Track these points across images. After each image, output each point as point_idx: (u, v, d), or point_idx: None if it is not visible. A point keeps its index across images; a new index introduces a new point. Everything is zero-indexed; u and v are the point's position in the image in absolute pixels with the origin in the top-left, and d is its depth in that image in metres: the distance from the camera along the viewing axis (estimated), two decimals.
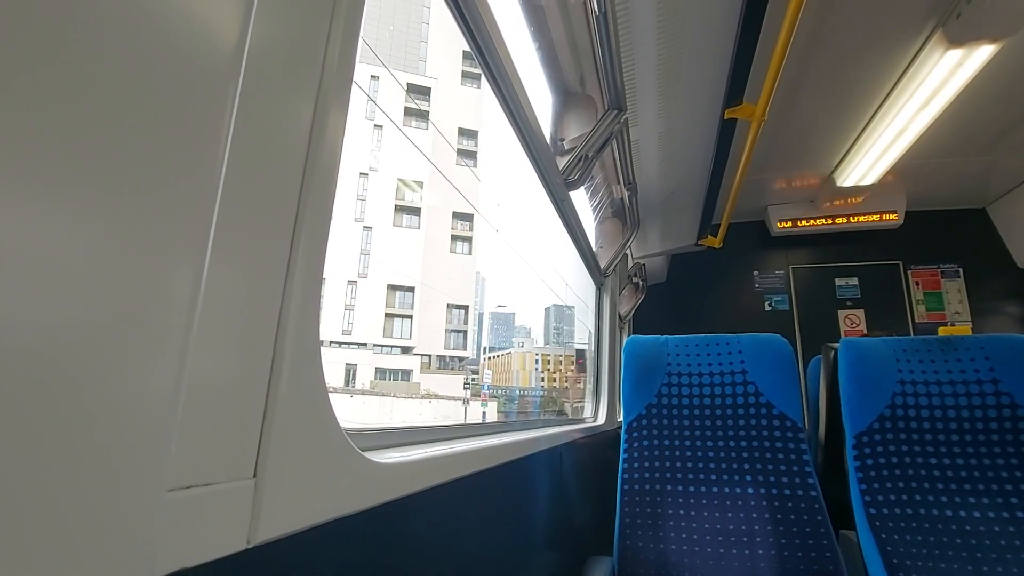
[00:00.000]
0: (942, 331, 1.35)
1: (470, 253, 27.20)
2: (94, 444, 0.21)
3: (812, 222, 3.11)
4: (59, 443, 0.20)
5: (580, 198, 1.93)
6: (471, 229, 27.11)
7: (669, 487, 1.32)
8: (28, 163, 0.19)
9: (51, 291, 0.19)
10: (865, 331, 3.15)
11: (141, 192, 0.23)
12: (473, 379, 26.31)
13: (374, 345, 24.08)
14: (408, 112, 26.67)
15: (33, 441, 0.19)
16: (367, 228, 24.75)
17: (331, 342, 23.14)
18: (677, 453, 1.37)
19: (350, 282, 24.30)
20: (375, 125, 25.46)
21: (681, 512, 1.27)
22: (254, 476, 0.31)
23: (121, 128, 0.22)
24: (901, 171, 2.53)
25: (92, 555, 0.21)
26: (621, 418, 1.49)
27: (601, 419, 2.14)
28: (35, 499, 0.19)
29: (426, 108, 26.51)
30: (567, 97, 1.39)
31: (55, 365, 0.19)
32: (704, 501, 1.28)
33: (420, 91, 26.66)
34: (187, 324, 0.25)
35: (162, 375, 0.24)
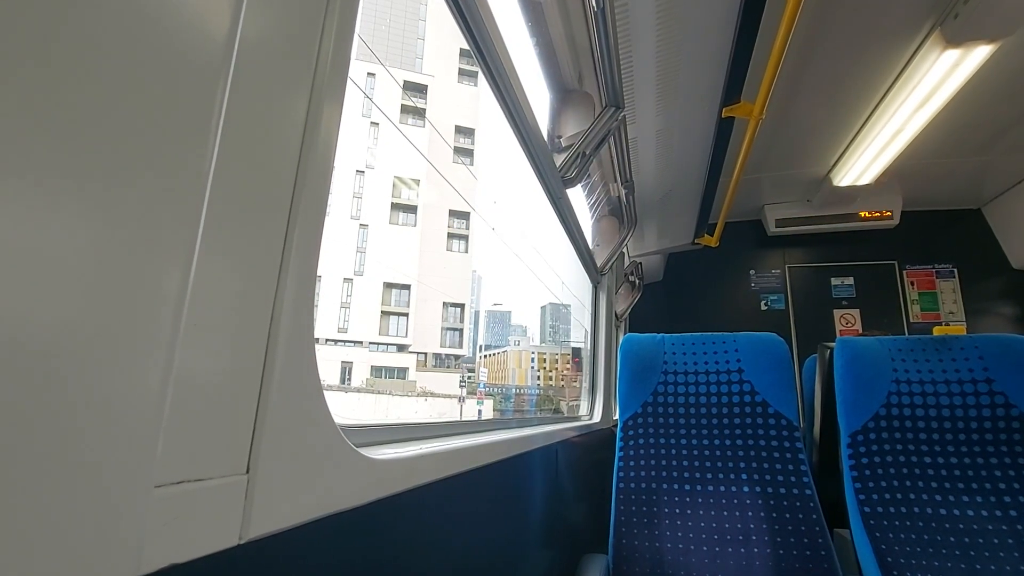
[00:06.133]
0: (937, 331, 1.35)
1: (466, 251, 27.16)
2: (76, 438, 0.20)
3: (808, 222, 3.12)
4: (39, 437, 0.19)
5: (577, 196, 1.93)
6: (467, 227, 27.08)
7: (664, 485, 1.32)
8: (10, 157, 0.18)
9: (34, 286, 0.19)
10: (860, 331, 3.16)
11: (126, 186, 0.22)
12: (469, 377, 26.30)
13: (370, 343, 24.04)
14: (405, 110, 26.61)
15: (12, 435, 0.18)
16: (363, 226, 24.70)
17: (327, 340, 23.09)
18: (673, 451, 1.37)
19: (346, 280, 24.25)
20: (371, 123, 25.40)
21: (676, 510, 1.28)
22: (247, 471, 0.31)
23: (104, 120, 0.21)
24: (897, 171, 2.54)
25: (72, 550, 0.20)
26: (617, 416, 1.49)
27: (597, 417, 2.14)
28: (11, 495, 0.18)
29: (423, 106, 26.45)
30: (565, 94, 1.39)
31: (38, 359, 0.19)
32: (699, 499, 1.28)
33: (417, 88, 26.60)
34: (175, 319, 0.24)
35: (147, 370, 0.23)
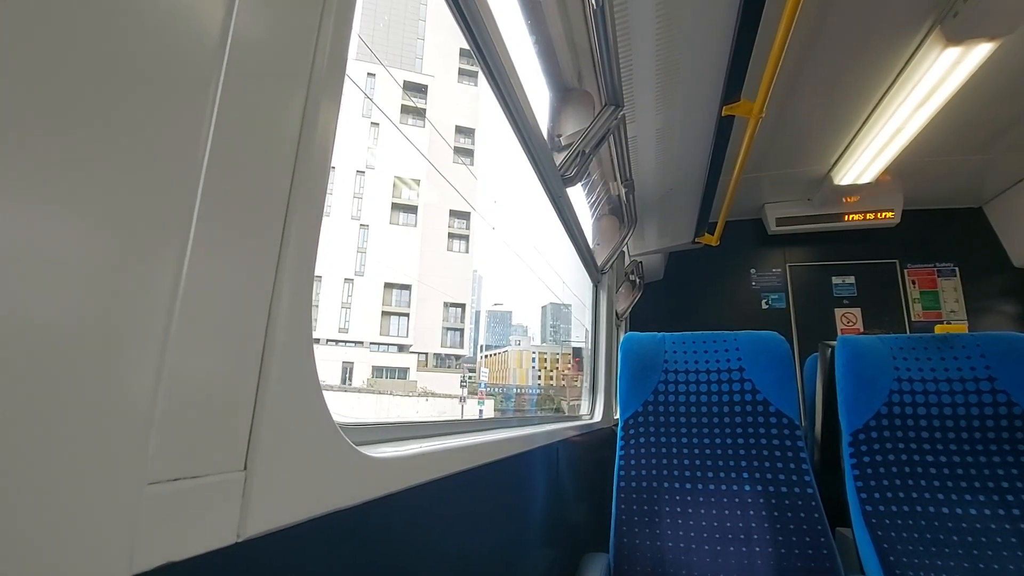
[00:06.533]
0: (938, 329, 1.35)
1: (467, 251, 27.17)
2: (65, 435, 0.20)
3: (809, 221, 3.12)
4: (27, 434, 0.19)
5: (577, 195, 1.93)
6: (468, 227, 27.09)
7: (665, 484, 1.32)
8: None
9: (24, 282, 0.19)
10: (862, 329, 3.16)
11: (116, 184, 0.22)
12: (470, 377, 26.29)
13: (371, 343, 24.05)
14: (405, 110, 26.64)
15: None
16: (364, 226, 24.71)
17: (328, 340, 23.10)
18: (674, 450, 1.37)
19: (347, 280, 24.26)
20: (372, 123, 25.43)
21: (677, 509, 1.27)
22: (244, 469, 0.31)
23: (92, 117, 0.21)
24: (898, 170, 2.53)
25: (62, 547, 0.20)
26: (618, 415, 1.49)
27: (598, 416, 2.14)
28: None
29: (423, 106, 26.46)
30: (564, 93, 1.39)
31: (27, 356, 0.19)
32: (700, 498, 1.28)
33: (417, 89, 26.62)
34: (167, 316, 0.24)
35: (139, 367, 0.23)
